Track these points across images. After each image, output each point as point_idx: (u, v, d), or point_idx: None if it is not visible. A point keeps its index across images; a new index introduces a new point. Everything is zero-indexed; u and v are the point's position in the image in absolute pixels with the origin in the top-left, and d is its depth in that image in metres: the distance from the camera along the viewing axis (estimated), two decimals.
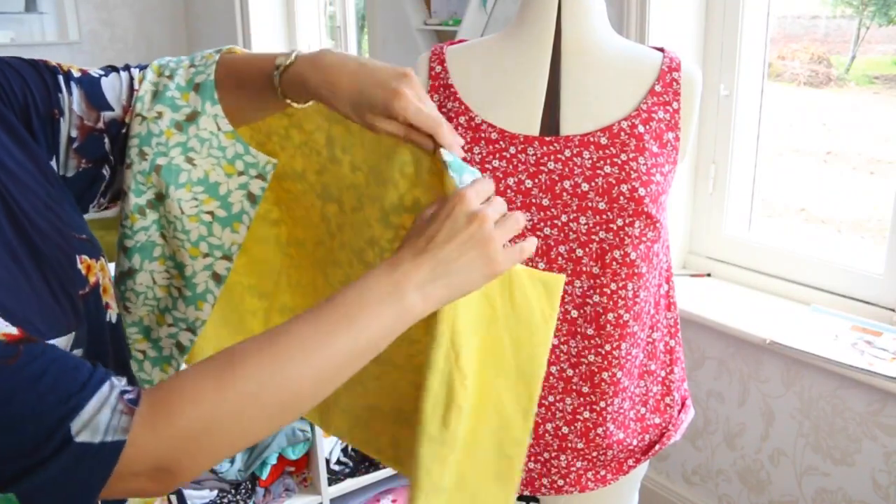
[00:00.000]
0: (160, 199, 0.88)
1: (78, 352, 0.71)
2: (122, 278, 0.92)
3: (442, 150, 0.78)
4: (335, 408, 1.09)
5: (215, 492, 2.02)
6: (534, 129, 1.11)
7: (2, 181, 0.71)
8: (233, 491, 2.05)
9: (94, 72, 0.87)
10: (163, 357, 0.97)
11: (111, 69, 0.89)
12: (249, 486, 2.07)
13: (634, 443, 1.19)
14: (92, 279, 0.78)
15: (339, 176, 0.95)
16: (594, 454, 1.17)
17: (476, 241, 0.70)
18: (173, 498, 0.93)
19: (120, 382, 0.62)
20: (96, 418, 0.59)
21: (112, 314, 0.82)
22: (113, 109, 0.86)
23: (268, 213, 1.04)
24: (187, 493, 1.98)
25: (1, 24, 4.15)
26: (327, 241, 1.00)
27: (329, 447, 2.17)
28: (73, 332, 0.71)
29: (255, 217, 1.00)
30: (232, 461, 2.06)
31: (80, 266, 0.76)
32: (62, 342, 0.69)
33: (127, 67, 0.89)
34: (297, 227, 1.04)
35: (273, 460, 2.09)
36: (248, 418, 0.63)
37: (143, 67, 0.90)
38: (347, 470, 2.20)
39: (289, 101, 0.85)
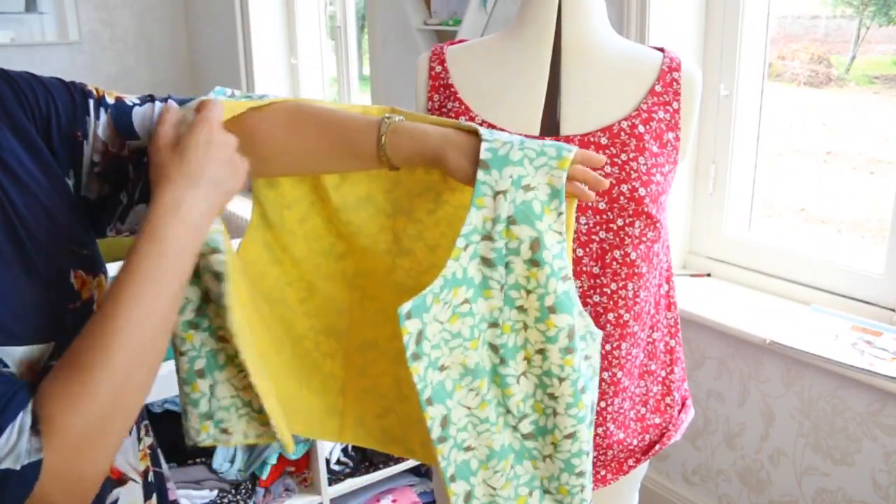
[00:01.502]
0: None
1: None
2: (202, 313, 0.91)
3: (483, 143, 0.82)
4: (349, 422, 1.08)
5: (215, 492, 2.02)
6: (534, 129, 1.11)
7: (6, 189, 0.72)
8: (233, 491, 2.05)
9: (131, 100, 0.87)
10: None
11: (150, 99, 0.88)
12: (249, 486, 2.07)
13: (634, 443, 1.19)
14: (85, 294, 0.78)
15: (412, 185, 0.94)
16: (594, 454, 1.17)
17: (210, 143, 0.78)
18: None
19: (31, 406, 0.65)
20: (17, 447, 0.63)
21: None
22: (139, 138, 0.85)
23: (332, 248, 1.02)
24: (187, 492, 1.98)
25: (1, 24, 4.15)
26: (400, 262, 0.99)
27: (329, 447, 2.17)
28: (54, 343, 0.72)
29: (321, 253, 1.01)
30: (232, 461, 2.06)
31: (73, 280, 0.77)
32: (39, 350, 0.71)
33: (166, 99, 0.88)
34: (364, 258, 1.02)
35: (273, 460, 2.09)
36: (124, 401, 0.68)
37: (186, 101, 0.88)
38: (347, 470, 2.20)
39: (386, 155, 0.85)
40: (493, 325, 0.86)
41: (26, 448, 0.63)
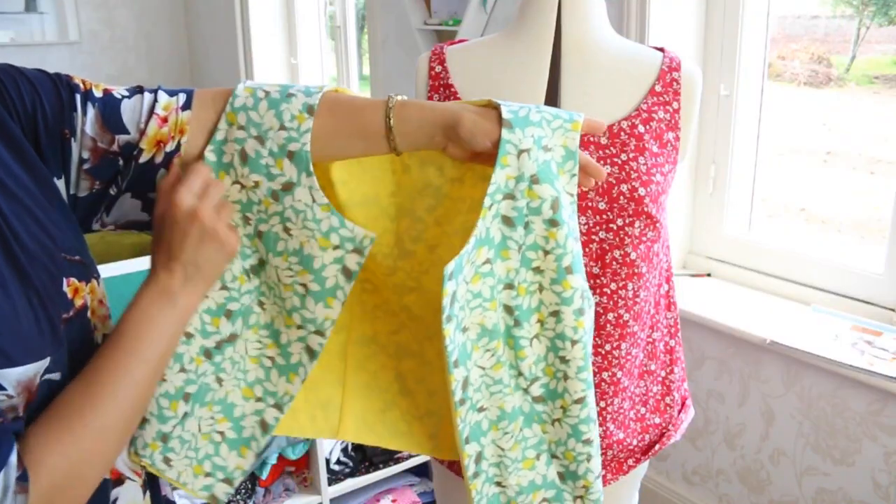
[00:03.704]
0: (262, 265, 0.89)
1: (55, 375, 0.72)
2: (222, 346, 0.91)
3: (503, 106, 0.83)
4: (347, 417, 1.08)
5: None
6: None
7: None
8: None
9: (118, 92, 0.84)
10: (242, 439, 0.96)
11: (137, 90, 0.85)
12: (249, 485, 2.07)
13: (634, 443, 1.19)
14: (78, 302, 0.77)
15: (412, 186, 0.94)
16: None
17: (204, 236, 0.81)
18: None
19: (14, 459, 0.66)
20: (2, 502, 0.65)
21: (98, 336, 0.82)
22: (129, 133, 0.82)
23: None
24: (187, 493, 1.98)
25: (1, 24, 4.16)
26: (401, 264, 0.98)
27: (329, 447, 2.17)
28: (49, 357, 0.71)
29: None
30: None
31: (66, 289, 0.76)
32: (34, 368, 0.70)
33: (155, 90, 0.85)
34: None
35: (273, 460, 2.09)
36: (99, 456, 0.73)
37: (176, 92, 0.86)
38: (347, 470, 2.20)
39: (393, 137, 0.85)
40: (509, 286, 0.86)
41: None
